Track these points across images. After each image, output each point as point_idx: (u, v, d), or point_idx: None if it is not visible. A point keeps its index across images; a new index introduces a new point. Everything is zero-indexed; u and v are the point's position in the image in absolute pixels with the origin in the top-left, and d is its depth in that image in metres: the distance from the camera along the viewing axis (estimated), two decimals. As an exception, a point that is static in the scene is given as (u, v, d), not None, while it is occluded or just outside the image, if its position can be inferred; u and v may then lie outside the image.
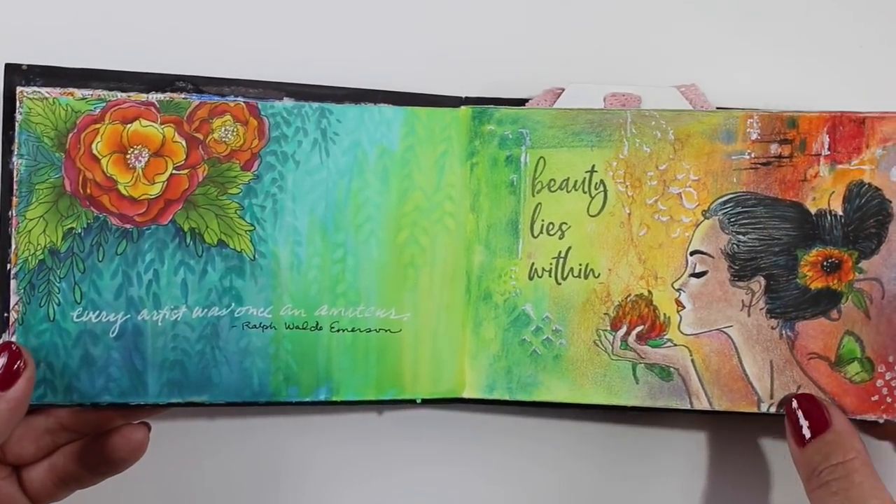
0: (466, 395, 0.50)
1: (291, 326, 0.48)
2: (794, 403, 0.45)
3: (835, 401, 0.46)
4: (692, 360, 0.47)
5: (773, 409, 0.46)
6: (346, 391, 0.49)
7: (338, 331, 0.48)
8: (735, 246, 0.47)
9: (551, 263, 0.49)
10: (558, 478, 0.55)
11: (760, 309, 0.47)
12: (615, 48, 0.56)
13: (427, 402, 0.50)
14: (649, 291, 0.48)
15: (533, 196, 0.49)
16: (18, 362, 0.42)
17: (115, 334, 0.46)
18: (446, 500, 0.55)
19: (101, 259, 0.46)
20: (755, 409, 0.47)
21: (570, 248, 0.48)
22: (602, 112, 0.48)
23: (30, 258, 0.45)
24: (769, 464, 0.54)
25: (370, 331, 0.49)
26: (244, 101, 0.47)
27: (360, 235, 0.49)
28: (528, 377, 0.49)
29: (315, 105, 0.48)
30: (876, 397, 0.46)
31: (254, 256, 0.47)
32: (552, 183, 0.49)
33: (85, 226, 0.46)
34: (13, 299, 0.45)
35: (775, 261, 0.46)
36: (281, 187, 0.48)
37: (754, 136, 0.47)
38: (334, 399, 0.48)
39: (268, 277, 0.48)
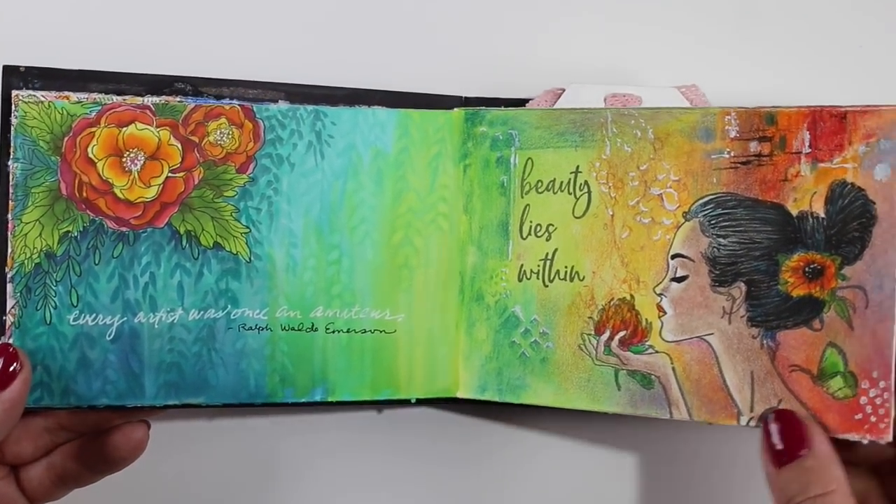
0: (460, 395, 0.50)
1: (287, 328, 0.48)
2: (772, 420, 0.42)
3: (817, 418, 0.42)
4: (673, 369, 0.45)
5: (752, 423, 0.44)
6: (342, 392, 0.49)
7: (333, 332, 0.49)
8: (715, 249, 0.45)
9: (539, 265, 0.48)
10: (555, 476, 0.56)
11: (741, 316, 0.44)
12: (616, 48, 0.56)
13: (422, 402, 0.51)
14: (631, 296, 0.46)
15: (522, 197, 0.48)
16: (14, 364, 0.42)
17: (111, 337, 0.46)
18: (444, 499, 0.55)
19: (97, 262, 0.46)
20: (734, 422, 0.44)
21: (556, 250, 0.48)
22: (584, 112, 0.47)
23: (26, 262, 0.45)
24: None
25: (365, 332, 0.49)
26: (239, 104, 0.47)
27: (354, 237, 0.49)
28: (517, 379, 0.48)
29: (310, 108, 0.48)
30: (859, 416, 0.42)
31: (249, 258, 0.48)
32: (539, 184, 0.48)
33: (81, 229, 0.46)
34: (10, 303, 0.45)
35: (756, 266, 0.44)
36: (276, 190, 0.48)
37: (733, 134, 0.44)
38: (330, 400, 0.49)
39: (263, 279, 0.48)
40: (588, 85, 0.50)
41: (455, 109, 0.50)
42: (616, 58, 0.56)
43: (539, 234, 0.48)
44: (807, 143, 0.43)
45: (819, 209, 0.43)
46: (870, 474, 0.45)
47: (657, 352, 0.46)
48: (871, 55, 0.57)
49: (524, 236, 0.48)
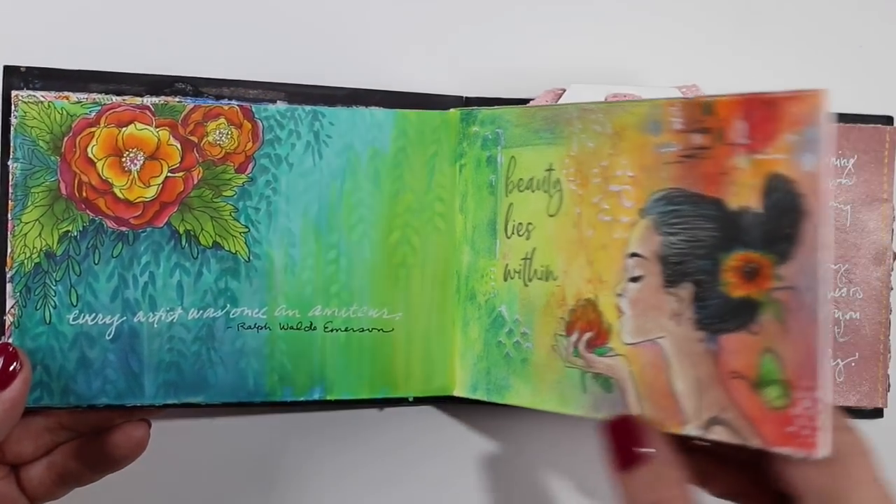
0: (456, 393, 0.50)
1: (286, 327, 0.48)
2: (612, 425, 0.41)
3: (754, 428, 0.38)
4: (630, 372, 0.43)
5: (696, 432, 0.40)
6: (340, 390, 0.49)
7: (331, 331, 0.49)
8: (666, 248, 0.41)
9: (520, 265, 0.47)
10: (553, 475, 0.56)
11: (689, 319, 0.41)
12: (616, 48, 0.57)
13: (419, 401, 0.51)
14: (596, 296, 0.44)
15: (506, 196, 0.48)
16: (14, 363, 0.42)
17: (111, 336, 0.46)
18: (441, 497, 0.56)
19: (96, 262, 0.46)
20: (681, 431, 0.40)
21: (534, 249, 0.47)
22: (554, 108, 0.46)
23: (26, 261, 0.45)
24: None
25: (363, 330, 0.49)
26: (238, 105, 0.48)
27: (352, 236, 0.49)
28: (503, 379, 0.48)
29: (308, 108, 0.49)
30: (792, 428, 0.37)
31: (248, 258, 0.48)
32: (520, 183, 0.48)
33: (81, 229, 0.46)
34: (9, 302, 0.45)
35: (701, 265, 0.40)
36: (275, 189, 0.48)
37: (678, 126, 0.41)
38: (328, 398, 0.49)
39: (262, 278, 0.48)
40: (588, 85, 0.50)
41: (451, 110, 0.51)
42: (617, 58, 0.56)
43: (521, 233, 0.47)
44: (743, 134, 0.39)
45: (756, 204, 0.39)
46: (743, 467, 0.44)
47: (617, 354, 0.43)
48: (872, 54, 0.58)
49: (508, 235, 0.48)
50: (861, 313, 0.55)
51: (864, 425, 0.56)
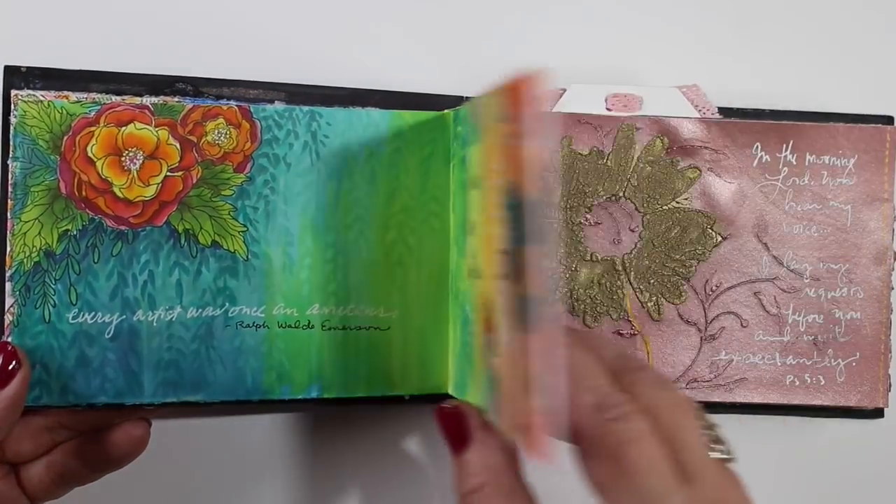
0: (450, 391, 0.50)
1: (284, 325, 0.48)
2: (440, 412, 0.42)
3: (532, 436, 0.35)
4: (502, 373, 0.39)
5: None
6: (338, 388, 0.49)
7: (329, 329, 0.49)
8: (507, 243, 0.38)
9: (472, 263, 0.46)
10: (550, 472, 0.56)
11: (518, 317, 0.37)
12: (617, 48, 0.57)
13: (416, 399, 0.51)
14: (493, 295, 0.41)
15: (469, 194, 0.47)
16: (13, 362, 0.43)
17: (110, 335, 0.46)
18: (440, 495, 0.56)
19: (96, 260, 0.46)
20: (511, 434, 0.38)
21: (478, 248, 0.45)
22: (472, 104, 0.44)
23: (25, 260, 0.45)
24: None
25: (360, 328, 0.50)
26: (237, 105, 0.48)
27: (349, 235, 0.49)
28: (464, 378, 0.47)
29: (305, 108, 0.49)
30: (536, 435, 0.34)
31: (247, 257, 0.48)
32: (473, 181, 0.46)
33: (80, 228, 0.46)
34: (9, 301, 0.45)
35: (516, 261, 0.37)
36: (273, 189, 0.48)
37: (503, 116, 0.38)
38: (326, 396, 0.49)
39: (261, 277, 0.48)
40: (588, 85, 0.50)
41: (446, 111, 0.51)
42: (617, 58, 0.57)
43: (473, 232, 0.45)
44: (519, 120, 0.36)
45: (531, 194, 0.36)
46: None
47: (497, 356, 0.40)
48: (872, 54, 0.58)
49: (469, 234, 0.46)
50: (862, 313, 0.55)
51: (865, 425, 0.56)
